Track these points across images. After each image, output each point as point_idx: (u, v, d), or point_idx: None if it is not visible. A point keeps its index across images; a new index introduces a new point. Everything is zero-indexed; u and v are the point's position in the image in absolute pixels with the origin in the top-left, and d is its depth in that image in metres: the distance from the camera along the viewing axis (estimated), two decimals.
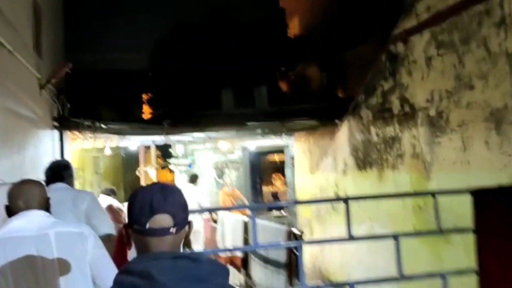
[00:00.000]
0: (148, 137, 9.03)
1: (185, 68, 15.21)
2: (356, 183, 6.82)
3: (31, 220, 2.17)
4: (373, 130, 6.29)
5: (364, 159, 6.55)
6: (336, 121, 7.40)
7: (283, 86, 13.70)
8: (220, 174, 12.62)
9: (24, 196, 2.23)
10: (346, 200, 3.77)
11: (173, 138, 8.75)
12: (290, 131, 9.02)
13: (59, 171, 3.49)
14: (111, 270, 2.20)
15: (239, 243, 6.27)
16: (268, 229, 5.40)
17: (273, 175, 18.48)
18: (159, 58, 16.94)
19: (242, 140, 11.47)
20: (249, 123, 7.29)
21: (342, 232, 7.37)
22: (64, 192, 3.34)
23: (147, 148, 13.14)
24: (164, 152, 15.79)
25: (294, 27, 17.11)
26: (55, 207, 2.39)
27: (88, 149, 12.62)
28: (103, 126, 6.72)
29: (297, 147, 9.32)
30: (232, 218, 6.55)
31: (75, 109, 7.38)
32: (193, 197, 8.42)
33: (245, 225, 6.03)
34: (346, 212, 3.78)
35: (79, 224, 2.51)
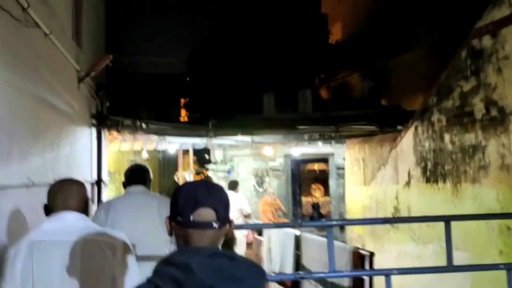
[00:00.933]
0: (188, 139, 8.46)
1: (224, 71, 14.81)
2: (423, 197, 6.03)
3: (63, 224, 2.09)
4: (447, 137, 5.51)
5: (435, 170, 5.75)
6: (399, 127, 6.63)
7: (324, 92, 13.07)
8: (260, 182, 11.95)
9: (62, 195, 2.15)
10: (447, 220, 3.00)
11: (215, 142, 8.16)
12: (341, 138, 8.30)
13: (141, 174, 3.37)
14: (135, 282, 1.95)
15: (289, 260, 5.59)
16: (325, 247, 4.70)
17: (313, 185, 17.75)
18: (198, 61, 16.58)
19: (286, 147, 10.79)
20: (300, 127, 6.62)
21: (402, 252, 6.57)
22: (147, 196, 3.27)
23: (185, 152, 12.64)
24: (201, 158, 15.29)
25: (336, 33, 16.60)
26: (138, 208, 2.54)
27: (125, 152, 12.22)
28: (143, 125, 6.17)
29: (348, 156, 8.58)
30: (281, 231, 5.88)
31: (114, 108, 6.87)
32: (234, 204, 7.80)
33: (297, 240, 5.36)
34: (447, 235, 3.01)
35: (113, 231, 2.28)
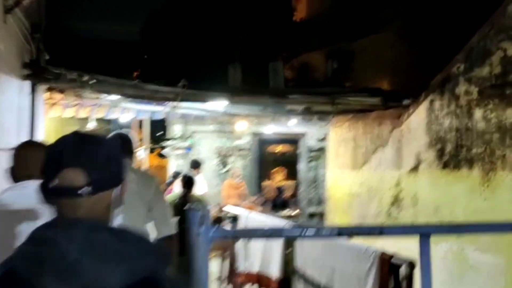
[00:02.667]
0: (147, 106, 7.07)
1: (184, 42, 13.60)
2: (437, 186, 4.99)
3: (25, 192, 1.85)
4: (478, 113, 4.46)
5: (456, 153, 4.71)
6: (405, 101, 5.55)
7: (286, 71, 12.07)
8: (224, 162, 10.69)
9: (28, 162, 1.96)
10: None
11: (179, 111, 6.83)
12: (327, 115, 7.16)
13: (126, 145, 2.89)
14: None
15: (275, 260, 4.39)
16: (338, 249, 3.53)
17: (275, 168, 16.67)
18: (155, 30, 15.31)
19: (256, 124, 9.57)
20: (291, 96, 5.41)
21: (402, 250, 5.55)
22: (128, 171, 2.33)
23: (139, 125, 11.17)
24: (156, 132, 13.82)
25: (301, 11, 15.77)
26: None
27: (66, 120, 10.60)
28: (94, 80, 4.77)
29: (334, 135, 7.46)
30: (263, 223, 4.66)
31: (54, 61, 5.41)
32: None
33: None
34: None
35: None
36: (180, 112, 7.11)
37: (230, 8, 15.19)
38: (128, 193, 2.78)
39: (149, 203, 2.77)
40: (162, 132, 14.30)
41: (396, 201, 5.70)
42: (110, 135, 3.04)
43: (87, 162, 1.05)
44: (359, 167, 6.56)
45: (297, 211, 10.44)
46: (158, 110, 7.34)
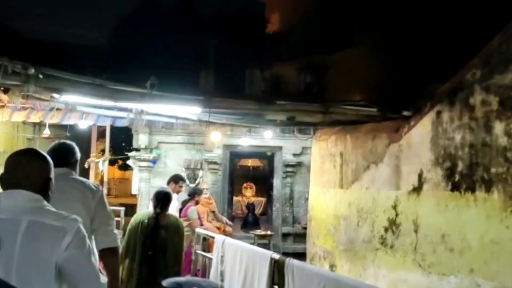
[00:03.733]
0: (108, 111, 6.20)
1: (154, 49, 12.82)
2: (444, 210, 4.32)
3: (10, 202, 1.91)
4: (499, 126, 3.83)
5: (470, 173, 4.06)
6: (405, 112, 4.91)
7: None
8: (192, 176, 9.83)
9: (18, 171, 1.96)
10: None
11: (146, 117, 5.98)
12: (309, 127, 6.47)
13: (65, 154, 2.94)
14: (88, 275, 1.90)
15: None
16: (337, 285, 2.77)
17: (245, 183, 15.85)
18: (124, 35, 14.47)
19: (228, 136, 8.79)
20: (279, 102, 4.66)
21: (399, 281, 4.87)
22: (72, 180, 2.85)
23: (99, 134, 10.19)
24: (116, 143, 12.82)
25: (274, 23, 15.36)
26: (60, 195, 2.24)
27: (20, 126, 9.55)
28: (44, 74, 3.89)
29: (317, 149, 6.76)
30: (243, 248, 3.85)
31: None
32: (174, 203, 5.72)
33: (276, 267, 3.40)
34: None
35: (67, 216, 1.95)
36: (146, 119, 6.26)
37: (201, 14, 14.62)
38: (72, 200, 2.67)
39: (92, 213, 2.77)
40: (124, 143, 13.34)
41: (392, 225, 5.01)
42: (54, 144, 2.99)
43: None
44: (348, 185, 5.87)
45: (269, 231, 9.66)
46: (121, 116, 6.47)
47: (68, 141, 3.05)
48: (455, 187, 4.22)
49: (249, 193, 15.37)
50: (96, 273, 1.95)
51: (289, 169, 10.02)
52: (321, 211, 6.44)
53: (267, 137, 9.20)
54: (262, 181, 15.44)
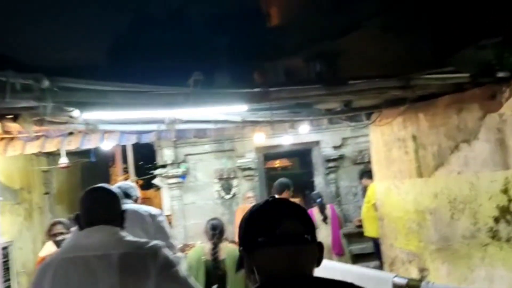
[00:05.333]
0: (133, 127, 5.32)
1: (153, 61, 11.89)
2: None
3: (97, 238, 1.97)
4: None
5: None
6: (501, 74, 3.97)
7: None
8: (227, 186, 8.92)
9: (97, 208, 2.06)
10: None
11: (181, 127, 5.08)
12: (371, 111, 5.54)
13: (126, 189, 3.35)
14: None
15: None
16: None
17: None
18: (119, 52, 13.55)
19: (272, 133, 7.86)
20: (351, 82, 3.75)
21: None
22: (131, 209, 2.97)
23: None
24: (139, 162, 11.94)
25: (274, 17, 14.55)
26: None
27: (34, 160, 8.68)
28: (61, 87, 3.01)
29: (378, 136, 5.81)
30: (345, 272, 2.95)
31: None
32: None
33: None
34: None
35: (148, 240, 2.06)
36: (176, 130, 5.37)
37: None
38: (132, 226, 2.61)
39: (151, 237, 2.78)
40: (143, 162, 12.45)
41: (505, 213, 4.06)
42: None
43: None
44: (430, 173, 4.92)
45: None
46: (149, 130, 5.59)
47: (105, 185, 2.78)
48: None
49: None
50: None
51: (331, 164, 9.08)
52: (396, 207, 5.50)
53: (303, 132, 8.27)
54: (293, 181, 14.53)
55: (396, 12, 5.67)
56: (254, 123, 5.26)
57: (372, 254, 7.70)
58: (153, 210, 3.23)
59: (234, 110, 4.54)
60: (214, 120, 5.20)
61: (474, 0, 4.03)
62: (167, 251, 2.00)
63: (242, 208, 7.25)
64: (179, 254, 3.04)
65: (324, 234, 6.73)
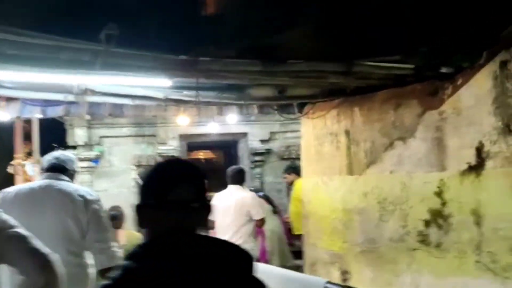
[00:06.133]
0: (37, 95, 4.59)
1: None
2: None
3: None
4: None
5: None
6: (444, 69, 3.74)
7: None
8: None
9: None
10: None
11: (92, 99, 4.42)
12: (305, 101, 5.20)
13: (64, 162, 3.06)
14: None
15: None
16: None
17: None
18: None
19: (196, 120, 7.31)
20: (291, 61, 3.34)
21: None
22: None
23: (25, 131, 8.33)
24: (44, 143, 10.87)
25: (210, 5, 14.04)
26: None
27: None
28: None
29: (310, 129, 5.49)
30: (276, 276, 2.55)
31: None
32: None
33: None
34: None
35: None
36: (92, 102, 4.72)
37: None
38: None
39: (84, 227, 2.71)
40: (54, 142, 11.38)
41: (437, 218, 3.85)
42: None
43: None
44: (361, 170, 4.65)
45: None
46: (53, 99, 4.87)
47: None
48: None
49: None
50: None
51: (257, 158, 8.71)
52: (323, 204, 5.20)
53: (231, 121, 7.83)
54: (216, 174, 14.06)
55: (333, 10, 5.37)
56: (178, 102, 4.72)
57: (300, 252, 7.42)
58: (88, 193, 2.84)
59: (156, 83, 3.98)
60: (132, 95, 4.60)
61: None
62: None
63: None
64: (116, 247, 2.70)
65: (275, 223, 6.38)
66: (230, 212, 5.17)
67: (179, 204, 1.19)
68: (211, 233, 5.16)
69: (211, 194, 13.97)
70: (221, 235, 5.03)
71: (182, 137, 8.46)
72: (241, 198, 5.27)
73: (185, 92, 4.63)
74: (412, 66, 3.62)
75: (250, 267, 1.20)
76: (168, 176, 1.24)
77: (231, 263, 1.16)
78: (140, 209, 1.24)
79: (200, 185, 1.26)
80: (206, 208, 1.28)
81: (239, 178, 5.41)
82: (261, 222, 5.37)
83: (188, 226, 1.20)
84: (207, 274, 1.12)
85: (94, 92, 4.49)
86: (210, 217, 4.59)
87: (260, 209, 5.38)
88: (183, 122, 5.43)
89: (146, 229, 1.25)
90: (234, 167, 5.87)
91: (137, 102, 4.66)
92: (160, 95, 4.44)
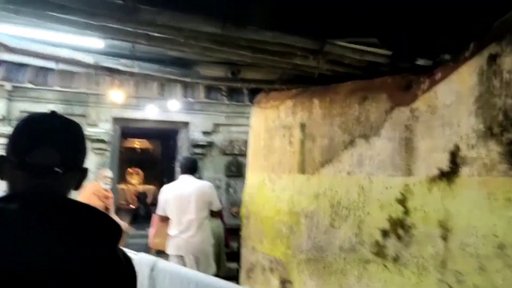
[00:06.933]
0: None
1: None
2: (503, 206, 2.80)
3: None
4: None
5: None
6: (421, 61, 3.32)
7: None
8: None
9: None
10: None
11: (7, 56, 3.61)
12: (262, 86, 4.64)
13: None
14: None
15: None
16: None
17: (129, 168, 13.43)
18: None
19: (131, 102, 6.54)
20: (249, 27, 2.77)
21: None
22: None
23: None
24: None
25: None
26: None
27: None
28: None
29: (261, 121, 4.94)
30: (197, 282, 1.99)
31: None
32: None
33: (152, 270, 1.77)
34: None
35: None
36: (8, 61, 3.93)
37: None
38: None
39: None
40: None
41: (397, 227, 3.41)
42: None
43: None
44: (314, 169, 4.16)
45: None
46: None
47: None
48: None
49: (135, 180, 13.04)
50: None
51: (197, 150, 8.06)
52: (267, 204, 4.66)
53: (172, 109, 7.17)
54: (152, 165, 13.23)
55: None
56: (112, 72, 4.01)
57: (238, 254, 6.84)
58: None
59: (85, 42, 3.28)
60: (57, 57, 3.85)
61: None
62: None
63: (92, 186, 5.81)
64: None
65: (216, 223, 5.73)
66: (190, 202, 4.50)
67: (38, 167, 1.07)
68: (164, 227, 4.52)
69: (147, 186, 12.95)
70: (181, 228, 4.42)
71: (116, 120, 7.67)
72: (201, 186, 4.66)
73: (121, 60, 3.95)
74: (387, 53, 3.15)
75: (115, 240, 1.10)
76: (31, 135, 1.10)
77: (93, 229, 1.05)
78: (2, 163, 1.12)
79: (70, 148, 1.13)
80: (79, 173, 1.16)
81: (192, 167, 4.77)
82: (217, 214, 4.83)
83: (51, 189, 1.09)
84: (58, 232, 1.00)
85: (9, 49, 3.72)
86: (162, 213, 3.89)
87: (217, 200, 4.84)
88: (117, 98, 4.72)
89: (6, 183, 1.13)
90: (186, 155, 5.38)
91: (62, 67, 3.91)
92: (90, 59, 3.73)
